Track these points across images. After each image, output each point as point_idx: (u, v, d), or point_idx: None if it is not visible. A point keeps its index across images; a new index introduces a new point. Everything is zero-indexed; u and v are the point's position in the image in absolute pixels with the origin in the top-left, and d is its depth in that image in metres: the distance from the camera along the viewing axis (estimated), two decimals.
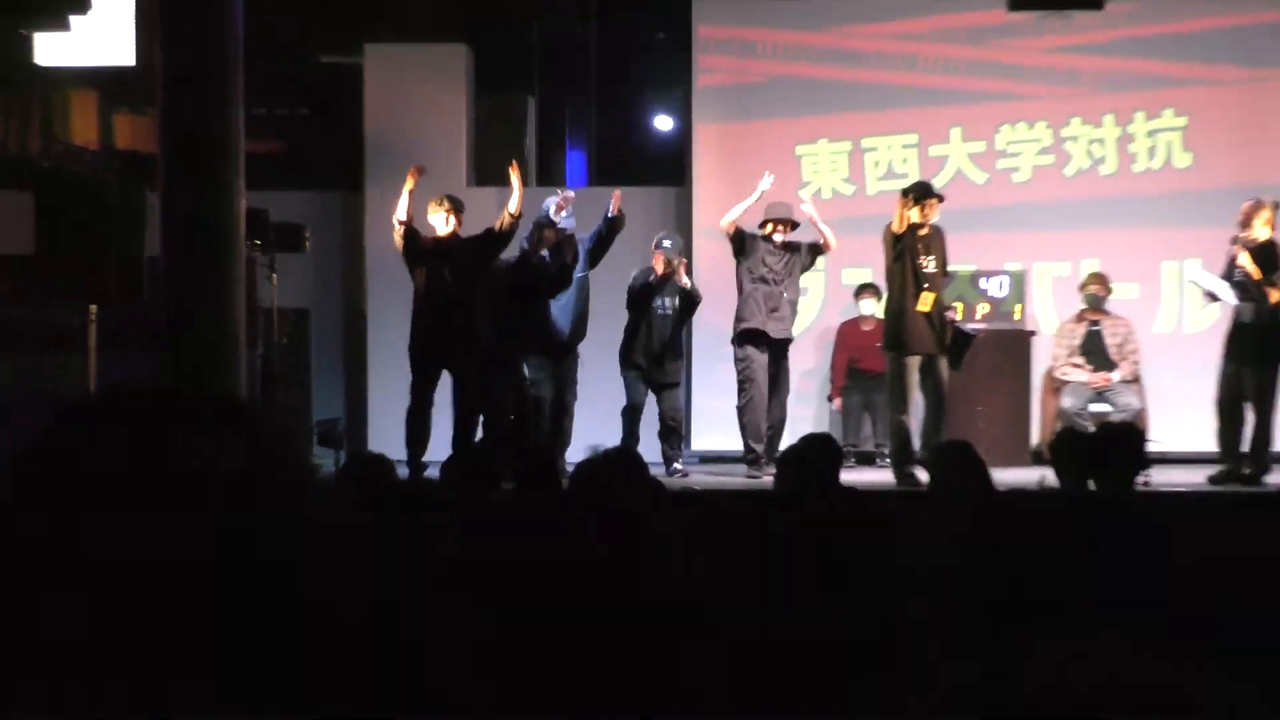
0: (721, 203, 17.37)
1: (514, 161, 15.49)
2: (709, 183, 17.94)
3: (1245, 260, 14.12)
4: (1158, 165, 17.89)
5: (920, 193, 13.98)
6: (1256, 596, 5.39)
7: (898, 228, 13.92)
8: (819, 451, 8.08)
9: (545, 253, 14.74)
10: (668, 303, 15.06)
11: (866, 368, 16.35)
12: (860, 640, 5.02)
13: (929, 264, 13.96)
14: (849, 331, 16.79)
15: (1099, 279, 16.34)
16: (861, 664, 4.79)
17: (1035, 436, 16.15)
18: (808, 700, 4.17)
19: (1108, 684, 2.42)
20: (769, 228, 15.18)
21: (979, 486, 8.03)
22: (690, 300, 15.18)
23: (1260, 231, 14.16)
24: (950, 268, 14.74)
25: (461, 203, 14.99)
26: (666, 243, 15.45)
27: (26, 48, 17.22)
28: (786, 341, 15.19)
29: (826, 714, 4.36)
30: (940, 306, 14.13)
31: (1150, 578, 6.52)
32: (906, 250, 13.90)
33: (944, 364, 14.28)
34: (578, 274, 14.97)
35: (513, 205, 14.57)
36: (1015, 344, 16.31)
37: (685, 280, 15.17)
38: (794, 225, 15.22)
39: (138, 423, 2.47)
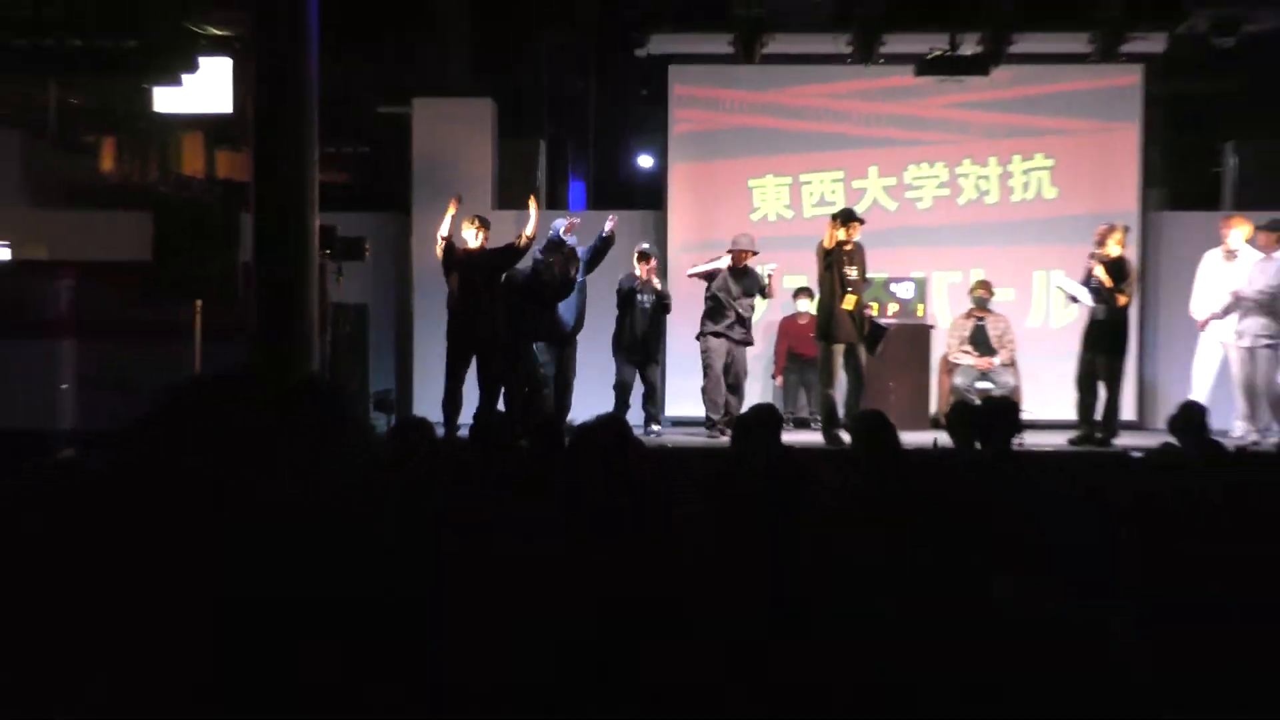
0: (691, 223, 17.98)
1: (532, 195, 15.61)
2: (681, 208, 17.93)
3: (1100, 272, 14.33)
4: (1030, 196, 17.91)
5: (845, 217, 14.13)
6: (1107, 532, 5.52)
7: (827, 244, 14.05)
8: (765, 418, 8.06)
9: (555, 266, 14.69)
10: (646, 300, 15.04)
11: (802, 353, 16.33)
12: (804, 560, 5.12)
13: (852, 272, 14.06)
14: (789, 324, 16.82)
15: (984, 285, 16.46)
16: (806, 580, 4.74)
17: (934, 407, 16.16)
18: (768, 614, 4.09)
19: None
20: (734, 257, 15.16)
21: (889, 446, 8.02)
22: (663, 299, 15.10)
23: (1112, 249, 14.34)
24: (868, 275, 14.69)
25: (488, 221, 15.03)
26: (644, 245, 15.52)
27: (147, 99, 17.17)
28: (742, 343, 15.11)
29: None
30: (860, 306, 14.24)
31: (1023, 517, 6.59)
32: (834, 262, 14.01)
33: (863, 351, 14.38)
34: (578, 280, 14.88)
35: (529, 229, 14.60)
36: (918, 336, 16.33)
37: (657, 283, 15.12)
38: (754, 253, 15.10)
39: (240, 397, 2.46)
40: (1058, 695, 2.60)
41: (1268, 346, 14.29)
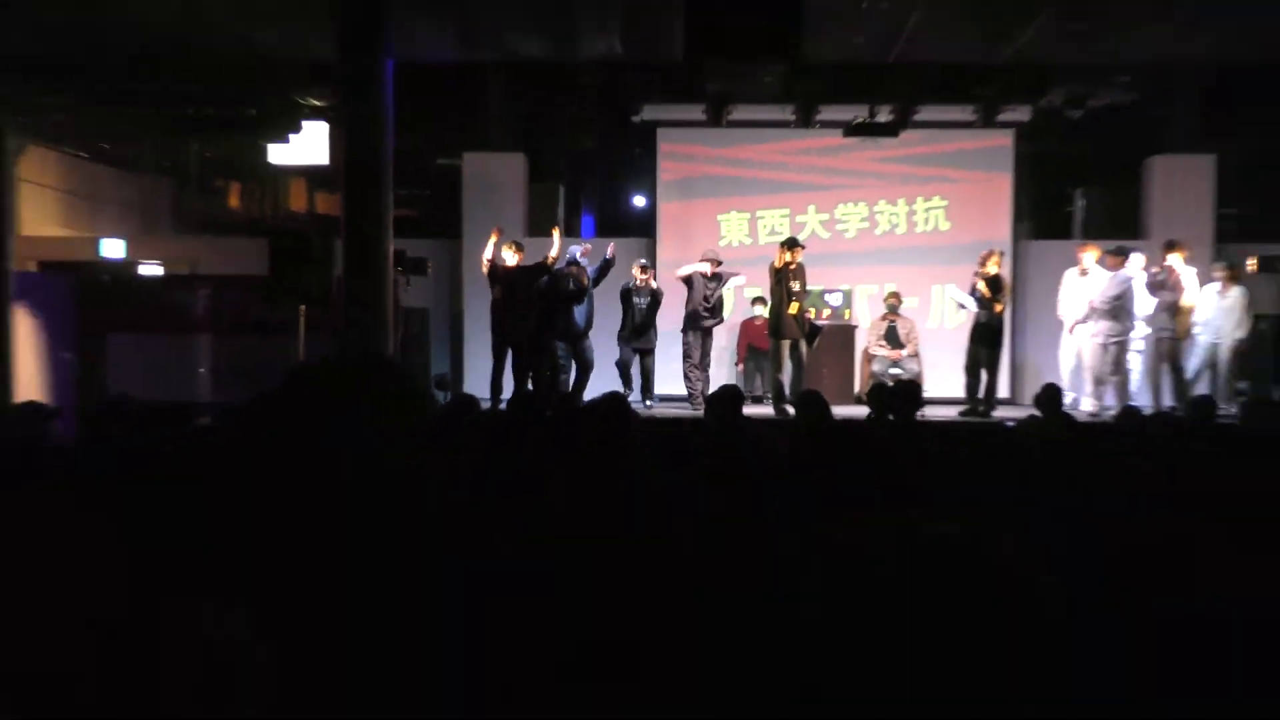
0: (674, 248, 17.74)
1: (555, 226, 15.63)
2: (667, 236, 17.90)
3: (982, 285, 14.41)
4: (930, 228, 17.90)
5: (790, 244, 14.12)
6: (992, 480, 5.47)
7: (777, 264, 14.07)
8: (730, 395, 7.99)
9: (571, 280, 14.81)
10: (642, 301, 15.07)
11: (757, 346, 16.37)
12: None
13: (796, 285, 14.06)
14: (748, 325, 16.86)
15: (894, 295, 16.51)
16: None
17: (857, 388, 16.00)
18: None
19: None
20: (709, 266, 15.14)
21: (824, 417, 8.17)
22: (656, 298, 15.16)
23: (991, 268, 14.42)
24: (808, 287, 14.63)
25: (523, 244, 15.06)
26: (643, 260, 15.54)
27: (264, 152, 17.31)
28: (710, 330, 15.14)
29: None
30: (802, 311, 14.21)
31: (923, 473, 6.57)
32: (783, 277, 14.01)
33: (804, 345, 14.36)
34: (589, 290, 15.03)
35: (553, 252, 14.60)
36: (845, 334, 16.21)
37: (654, 284, 15.17)
38: (720, 263, 15.13)
39: (336, 379, 2.44)
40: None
41: (1115, 343, 14.50)
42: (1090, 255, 15.17)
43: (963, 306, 15.36)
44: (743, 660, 2.44)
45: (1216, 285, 14.98)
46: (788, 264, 14.30)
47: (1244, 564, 2.28)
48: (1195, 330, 14.80)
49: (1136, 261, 15.01)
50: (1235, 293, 14.86)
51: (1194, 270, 14.95)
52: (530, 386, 14.41)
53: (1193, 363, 14.88)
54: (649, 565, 3.37)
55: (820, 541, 1.58)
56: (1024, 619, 1.44)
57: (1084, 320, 14.76)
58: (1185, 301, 14.72)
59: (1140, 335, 14.91)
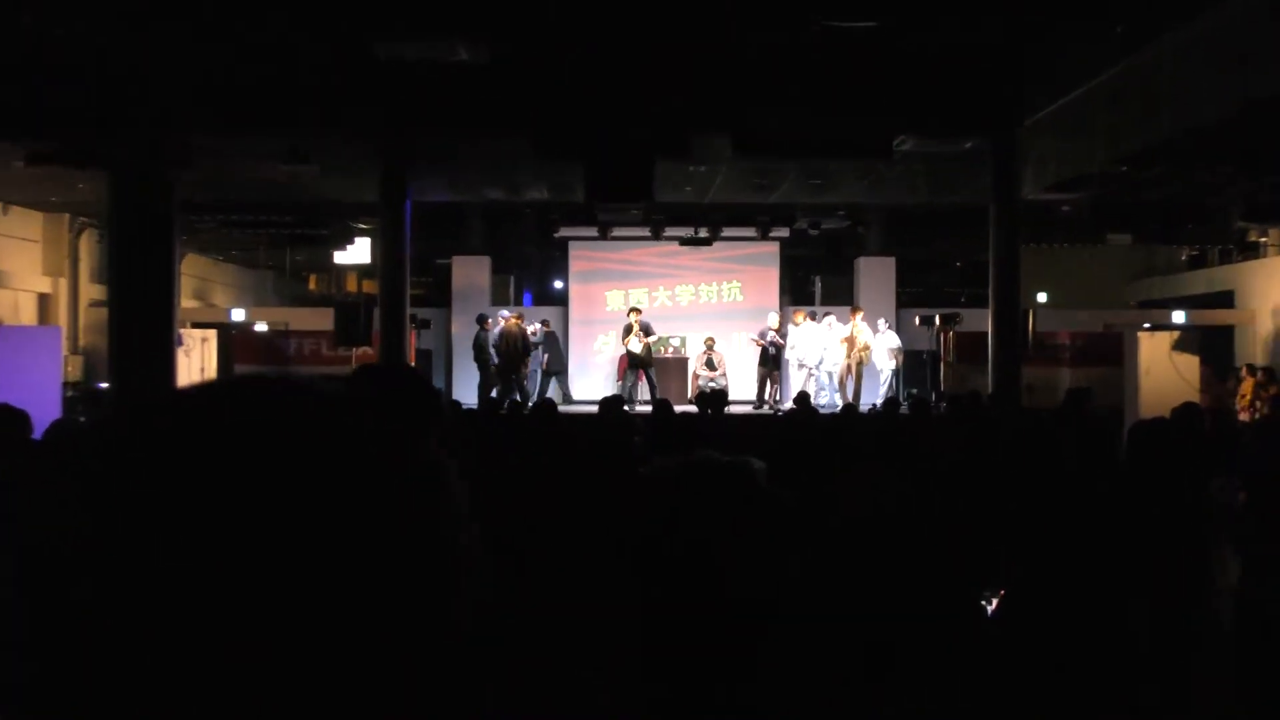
0: (581, 312, 17.57)
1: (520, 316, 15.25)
2: (575, 304, 17.75)
3: (775, 335, 14.51)
4: (731, 299, 17.82)
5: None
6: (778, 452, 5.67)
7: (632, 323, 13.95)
8: (614, 399, 7.96)
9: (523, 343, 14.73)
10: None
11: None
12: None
13: (643, 335, 13.97)
14: (623, 357, 16.03)
15: (710, 339, 15.92)
16: None
17: (689, 395, 15.53)
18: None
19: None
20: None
21: (669, 415, 8.12)
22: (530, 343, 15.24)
23: (771, 320, 14.60)
24: (661, 334, 14.82)
25: (486, 317, 15.00)
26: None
27: (331, 256, 17.27)
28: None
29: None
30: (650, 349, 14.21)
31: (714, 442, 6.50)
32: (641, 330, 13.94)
33: (654, 372, 14.45)
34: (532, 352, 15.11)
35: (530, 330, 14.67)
36: (681, 363, 16.00)
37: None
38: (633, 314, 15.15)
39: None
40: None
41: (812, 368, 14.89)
42: (801, 317, 15.34)
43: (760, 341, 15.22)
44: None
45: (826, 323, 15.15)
46: (642, 326, 14.56)
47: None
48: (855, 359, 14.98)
49: (827, 321, 15.22)
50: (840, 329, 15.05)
51: (866, 324, 15.12)
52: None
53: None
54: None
55: (650, 469, 1.45)
56: (766, 514, 1.29)
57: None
58: (859, 342, 14.92)
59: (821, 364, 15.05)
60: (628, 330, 15.06)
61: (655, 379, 14.88)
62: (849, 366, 14.95)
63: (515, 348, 14.72)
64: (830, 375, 15.05)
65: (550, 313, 18.08)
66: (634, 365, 15.02)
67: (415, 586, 0.47)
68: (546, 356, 15.97)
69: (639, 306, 15.79)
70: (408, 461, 0.51)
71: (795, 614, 1.40)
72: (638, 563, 1.26)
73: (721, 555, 1.25)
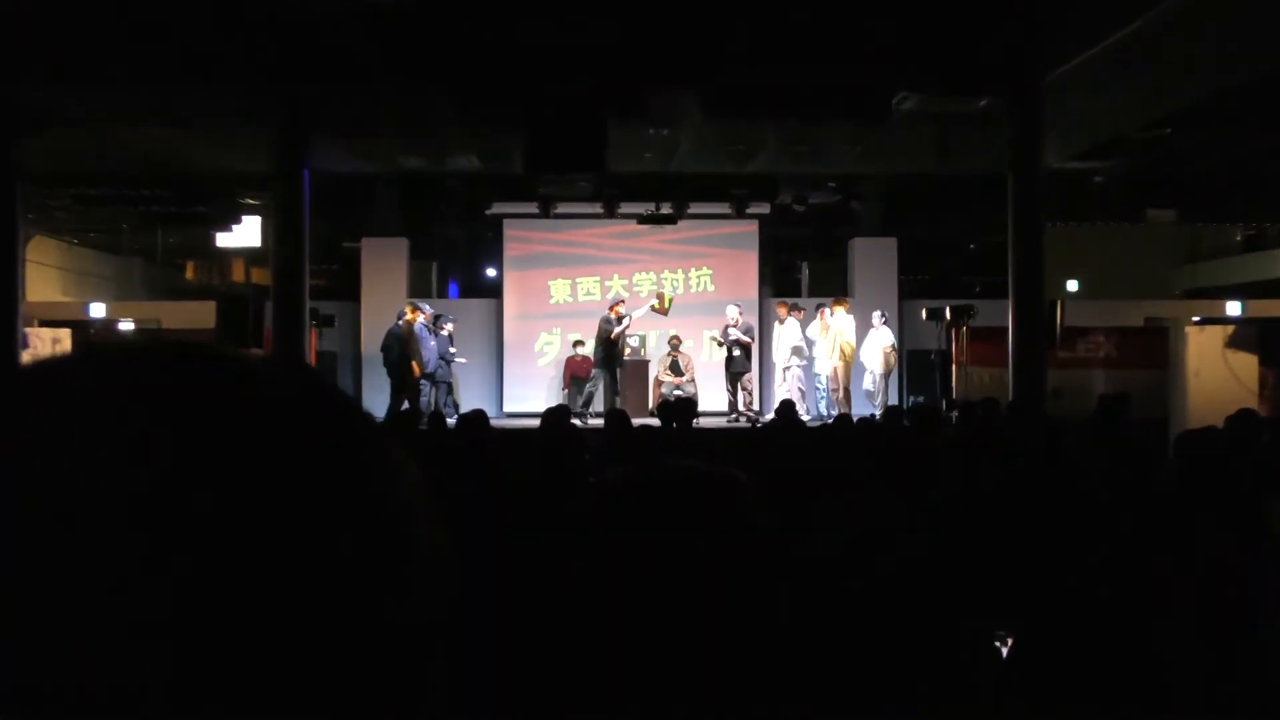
0: (516, 307, 17.65)
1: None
2: (510, 296, 17.79)
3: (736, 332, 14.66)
4: (701, 289, 17.98)
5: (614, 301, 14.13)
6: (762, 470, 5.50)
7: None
8: (560, 410, 8.19)
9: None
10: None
11: (579, 376, 16.00)
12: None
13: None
14: (570, 360, 16.36)
15: (676, 338, 16.16)
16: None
17: (651, 404, 15.39)
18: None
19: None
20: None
21: (626, 426, 8.13)
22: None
23: (730, 312, 14.81)
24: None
25: (403, 312, 15.01)
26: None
27: (213, 238, 17.18)
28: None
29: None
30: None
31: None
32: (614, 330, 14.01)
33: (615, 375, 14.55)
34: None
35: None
36: (641, 365, 15.98)
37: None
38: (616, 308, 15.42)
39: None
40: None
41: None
42: (782, 311, 15.62)
43: (720, 343, 15.50)
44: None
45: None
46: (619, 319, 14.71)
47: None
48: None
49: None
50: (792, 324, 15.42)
51: (851, 317, 15.41)
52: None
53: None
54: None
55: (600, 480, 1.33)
56: (755, 542, 1.25)
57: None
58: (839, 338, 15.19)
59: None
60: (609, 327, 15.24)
61: (617, 385, 15.08)
62: (837, 370, 15.14)
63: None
64: (821, 380, 15.22)
65: (482, 306, 18.06)
66: (582, 372, 15.07)
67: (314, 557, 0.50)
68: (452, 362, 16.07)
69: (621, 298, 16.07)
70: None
71: (779, 671, 1.30)
72: (576, 604, 1.22)
73: (692, 595, 1.19)
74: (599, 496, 1.29)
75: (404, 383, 14.63)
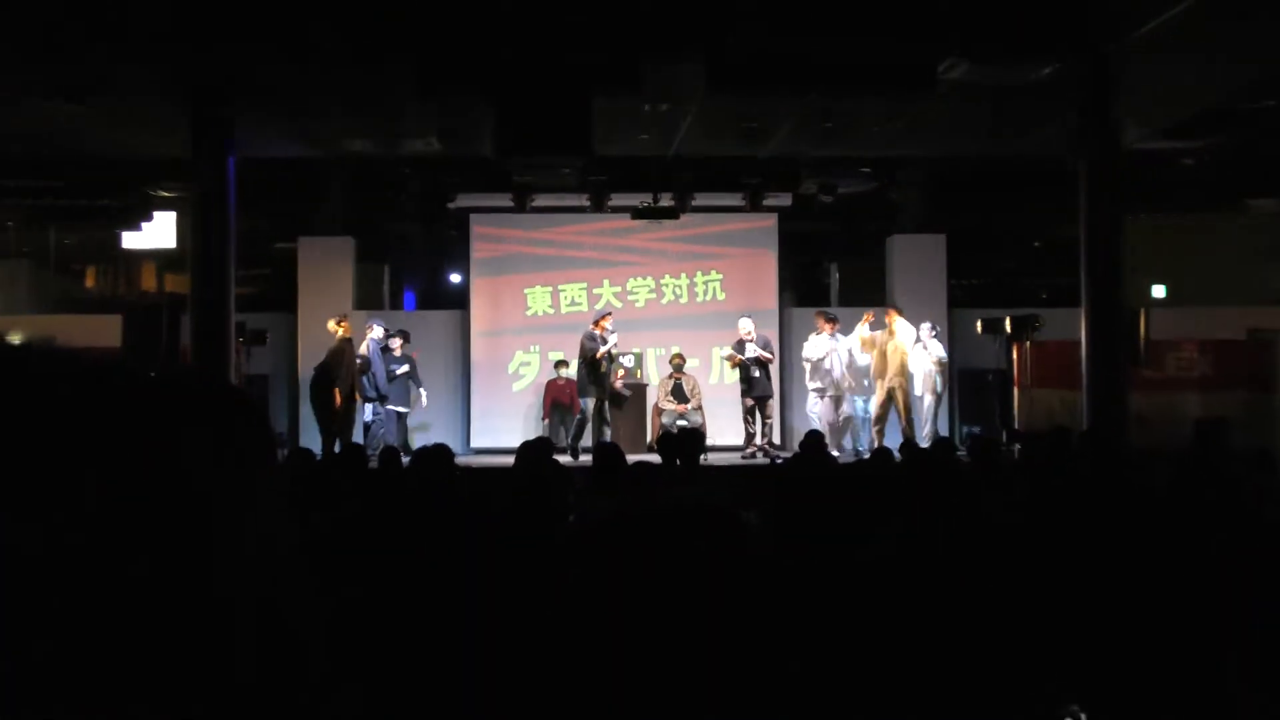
0: (485, 320, 17.75)
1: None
2: (479, 309, 17.87)
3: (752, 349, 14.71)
4: (709, 298, 18.07)
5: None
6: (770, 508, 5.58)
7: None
8: (540, 445, 8.20)
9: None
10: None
11: (561, 403, 16.24)
12: None
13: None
14: (552, 384, 16.59)
15: (679, 356, 16.41)
16: None
17: (649, 437, 15.81)
18: None
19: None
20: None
21: (621, 463, 8.10)
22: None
23: (744, 325, 15.09)
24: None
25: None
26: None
27: (118, 238, 17.13)
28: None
29: None
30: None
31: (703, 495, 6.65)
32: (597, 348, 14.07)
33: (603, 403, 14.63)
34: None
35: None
36: (637, 390, 16.24)
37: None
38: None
39: None
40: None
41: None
42: (824, 323, 15.77)
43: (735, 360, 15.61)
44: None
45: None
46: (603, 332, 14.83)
47: None
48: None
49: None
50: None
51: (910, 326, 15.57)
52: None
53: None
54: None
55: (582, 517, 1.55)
56: (733, 558, 1.34)
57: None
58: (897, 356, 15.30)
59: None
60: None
61: (605, 415, 15.26)
62: (891, 393, 15.21)
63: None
64: (868, 407, 15.43)
65: (444, 320, 18.06)
66: (565, 398, 15.09)
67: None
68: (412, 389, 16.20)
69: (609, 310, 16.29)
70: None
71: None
72: (558, 651, 1.32)
73: (685, 647, 1.26)
74: (581, 535, 1.39)
75: (326, 415, 14.57)
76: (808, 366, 15.58)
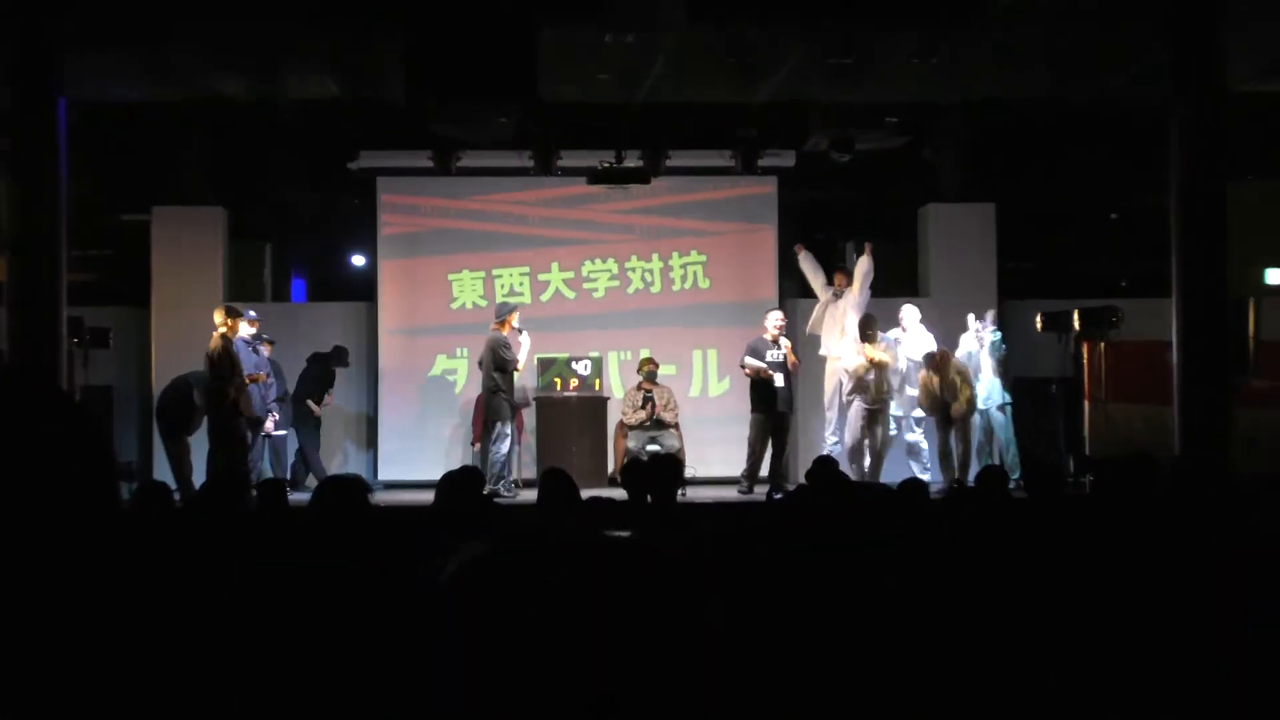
0: (398, 312, 17.83)
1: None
2: (390, 299, 17.90)
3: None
4: (688, 286, 18.17)
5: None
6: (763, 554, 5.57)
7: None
8: (465, 477, 7.90)
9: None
10: None
11: None
12: None
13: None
14: (482, 400, 16.11)
15: (650, 361, 16.37)
16: None
17: (611, 466, 16.00)
18: None
19: None
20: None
21: (572, 499, 7.91)
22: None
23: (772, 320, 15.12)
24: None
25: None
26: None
27: None
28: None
29: None
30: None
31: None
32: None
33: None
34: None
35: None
36: (595, 406, 16.29)
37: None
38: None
39: None
40: None
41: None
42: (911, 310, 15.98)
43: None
44: None
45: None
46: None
47: None
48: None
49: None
50: None
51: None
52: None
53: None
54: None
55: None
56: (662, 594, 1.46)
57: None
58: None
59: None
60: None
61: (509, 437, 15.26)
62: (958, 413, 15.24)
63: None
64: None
65: (344, 313, 17.99)
66: (504, 412, 15.08)
67: None
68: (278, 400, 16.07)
69: (512, 302, 15.99)
70: None
71: None
72: None
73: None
74: (440, 585, 1.49)
75: (228, 437, 14.38)
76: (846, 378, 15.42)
